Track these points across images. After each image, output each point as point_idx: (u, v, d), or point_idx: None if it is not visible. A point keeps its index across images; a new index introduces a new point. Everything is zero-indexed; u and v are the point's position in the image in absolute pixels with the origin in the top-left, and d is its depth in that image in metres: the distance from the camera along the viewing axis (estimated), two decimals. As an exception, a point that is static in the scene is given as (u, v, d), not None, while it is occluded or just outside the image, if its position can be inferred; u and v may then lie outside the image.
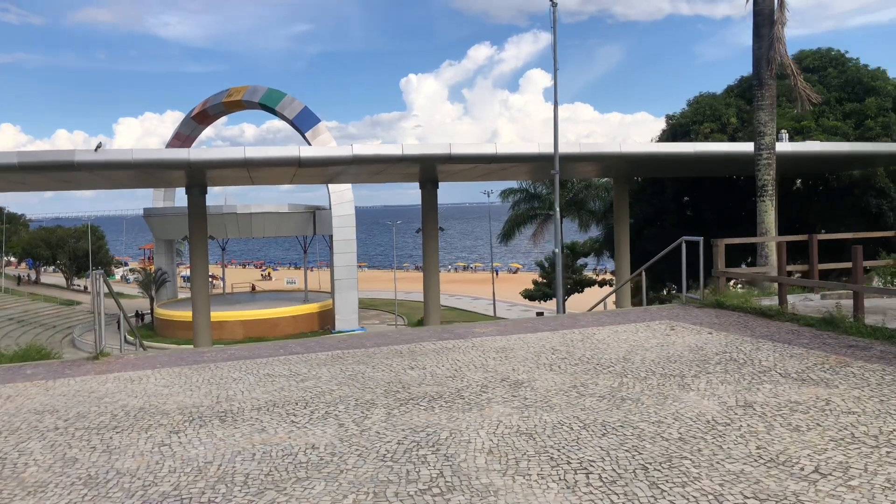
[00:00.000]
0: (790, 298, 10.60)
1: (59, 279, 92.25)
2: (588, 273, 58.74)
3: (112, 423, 5.74)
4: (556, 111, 16.81)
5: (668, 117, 37.14)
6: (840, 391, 5.98)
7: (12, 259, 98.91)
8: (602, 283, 59.31)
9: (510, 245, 50.35)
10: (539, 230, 45.12)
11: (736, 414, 5.45)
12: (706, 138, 31.57)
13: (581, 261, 54.04)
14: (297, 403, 6.12)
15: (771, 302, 10.31)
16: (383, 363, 7.61)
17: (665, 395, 5.99)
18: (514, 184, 43.81)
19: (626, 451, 4.71)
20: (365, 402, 6.10)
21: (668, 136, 35.26)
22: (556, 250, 16.95)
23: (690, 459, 4.50)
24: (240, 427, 5.55)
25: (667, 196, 34.96)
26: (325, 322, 62.32)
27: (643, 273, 13.43)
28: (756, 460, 4.46)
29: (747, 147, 20.69)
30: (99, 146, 16.77)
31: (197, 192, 21.80)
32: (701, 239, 10.70)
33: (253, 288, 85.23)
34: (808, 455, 4.52)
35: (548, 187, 43.07)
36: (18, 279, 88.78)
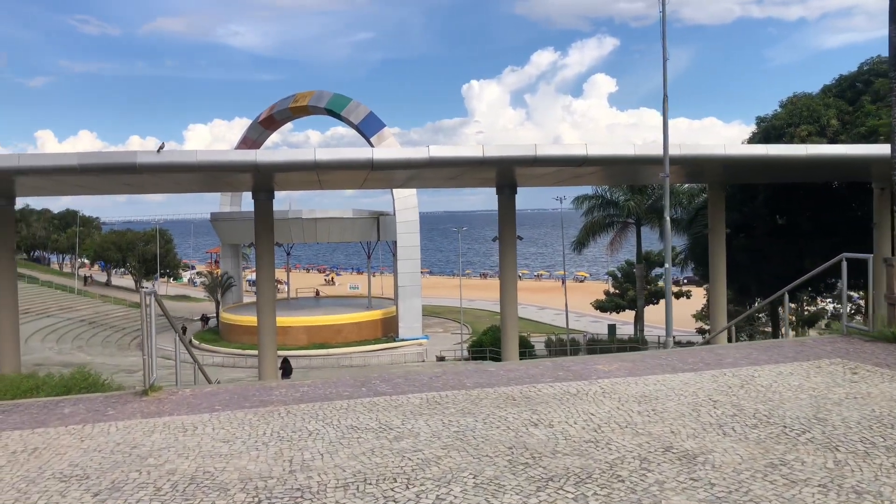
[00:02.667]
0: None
1: (130, 282, 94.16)
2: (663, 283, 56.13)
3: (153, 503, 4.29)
4: (665, 105, 14.94)
5: (760, 119, 34.62)
6: None
7: (85, 261, 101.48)
8: (679, 295, 56.58)
9: (583, 254, 48.14)
10: (616, 239, 42.87)
11: None
12: (802, 141, 29.01)
13: (655, 271, 51.50)
14: (394, 479, 4.54)
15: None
16: (495, 414, 5.98)
17: (914, 487, 4.21)
18: (588, 189, 41.78)
19: None
20: (487, 480, 4.49)
21: (759, 139, 32.73)
22: (667, 265, 15.04)
23: None
24: (322, 519, 4.04)
25: (758, 203, 32.42)
26: (388, 329, 61.39)
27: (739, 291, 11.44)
28: None
29: (875, 150, 18.39)
30: (161, 147, 15.73)
31: (263, 196, 20.70)
32: (871, 256, 8.72)
33: (317, 293, 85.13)
34: None
35: (625, 193, 40.87)
36: (85, 280, 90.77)
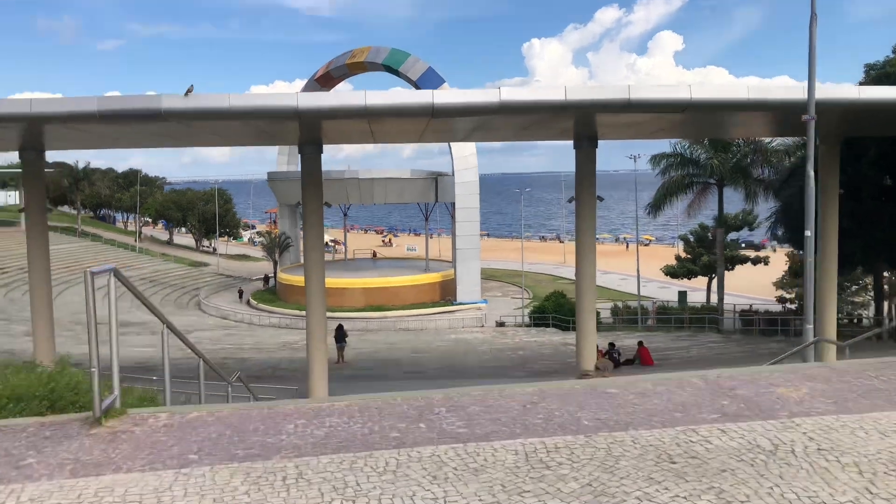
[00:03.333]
0: None
1: (191, 241, 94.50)
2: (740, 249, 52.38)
3: None
4: (812, 31, 11.84)
5: (869, 66, 30.50)
6: None
7: (148, 220, 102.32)
8: (757, 261, 52.64)
9: (649, 216, 44.66)
10: (696, 201, 39.26)
11: None
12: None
13: (730, 235, 47.72)
14: None
15: None
16: (652, 498, 3.44)
17: None
18: (665, 146, 38.20)
19: None
20: None
21: (870, 88, 28.76)
22: (808, 233, 12.10)
23: None
24: None
25: (866, 163, 28.63)
26: (446, 293, 59.50)
27: None
28: None
29: None
30: (189, 91, 13.47)
31: (310, 150, 18.41)
32: None
33: (374, 255, 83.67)
34: None
35: (707, 151, 37.16)
36: (139, 234, 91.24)
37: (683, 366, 25.14)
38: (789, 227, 30.49)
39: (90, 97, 13.78)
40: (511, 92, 13.93)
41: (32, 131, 16.70)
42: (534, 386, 5.28)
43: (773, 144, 36.51)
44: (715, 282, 52.25)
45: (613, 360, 23.51)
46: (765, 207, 38.17)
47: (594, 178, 18.65)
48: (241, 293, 62.73)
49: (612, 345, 24.94)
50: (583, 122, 16.88)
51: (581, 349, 19.34)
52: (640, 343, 26.36)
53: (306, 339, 19.63)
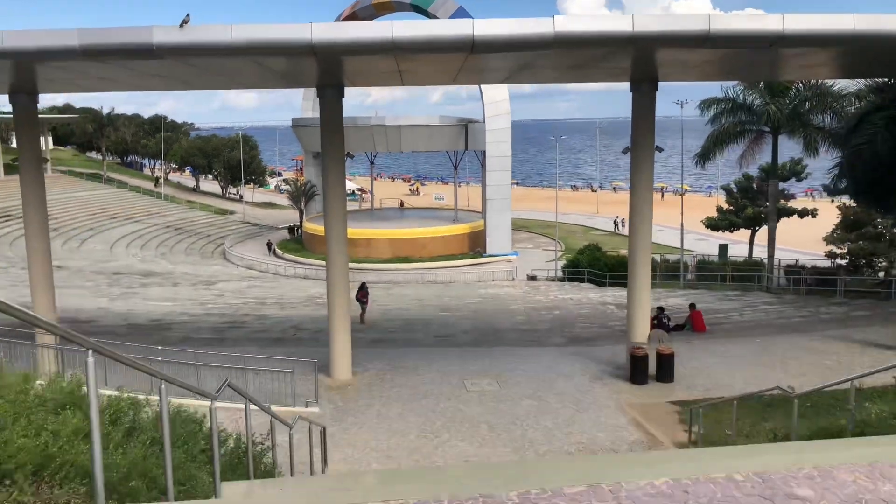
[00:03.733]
0: None
1: (217, 188, 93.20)
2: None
3: None
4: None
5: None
6: None
7: (173, 166, 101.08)
8: (804, 214, 49.71)
9: (706, 167, 41.77)
10: (749, 150, 36.40)
11: None
12: None
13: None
14: None
15: None
16: None
17: None
18: (716, 91, 35.26)
19: None
20: None
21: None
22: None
23: None
24: None
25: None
26: (475, 244, 57.78)
27: None
28: None
29: None
30: (186, 21, 11.36)
31: (331, 93, 16.37)
32: None
33: (401, 204, 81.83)
34: None
35: (762, 95, 34.15)
36: (156, 180, 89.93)
37: (738, 332, 23.04)
38: (856, 180, 27.81)
39: (70, 30, 11.76)
40: (567, 22, 11.61)
41: (19, 72, 14.80)
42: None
43: (836, 87, 33.42)
44: (758, 235, 49.58)
45: (664, 326, 21.47)
46: (823, 161, 35.25)
47: (653, 124, 16.34)
48: (269, 245, 61.42)
49: (660, 309, 22.86)
50: (645, 60, 14.51)
51: (633, 319, 17.36)
52: (693, 306, 24.22)
53: (328, 311, 17.86)
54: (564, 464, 6.71)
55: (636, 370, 16.72)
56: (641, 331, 17.27)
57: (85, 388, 5.92)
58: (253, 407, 6.50)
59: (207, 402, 5.14)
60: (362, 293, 26.89)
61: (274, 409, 15.07)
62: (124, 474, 4.06)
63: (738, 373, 17.39)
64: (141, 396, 5.80)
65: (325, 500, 4.79)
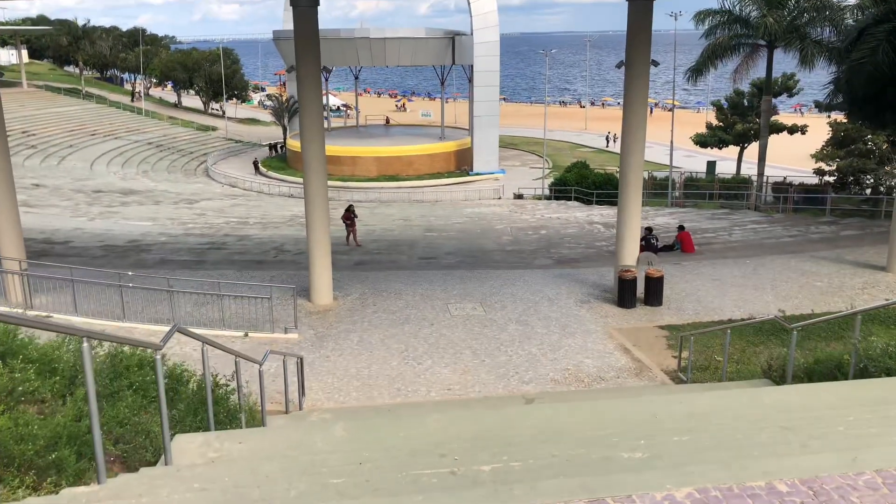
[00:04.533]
0: None
1: (199, 103, 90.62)
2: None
3: None
4: None
5: None
6: None
7: (154, 81, 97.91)
8: (794, 130, 48.95)
9: (699, 82, 40.55)
10: (744, 64, 35.21)
11: None
12: None
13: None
14: None
15: None
16: None
17: None
18: (712, 2, 33.70)
19: None
20: None
21: None
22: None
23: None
24: None
25: None
26: (462, 162, 56.93)
27: None
28: None
29: None
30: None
31: (305, 2, 15.18)
32: None
33: (387, 121, 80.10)
34: None
35: (759, 7, 32.76)
36: (133, 95, 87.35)
37: (728, 253, 22.74)
38: (853, 95, 26.94)
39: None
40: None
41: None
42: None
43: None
44: (746, 152, 48.89)
45: (652, 247, 21.07)
46: (818, 74, 34.16)
47: (649, 37, 15.42)
48: (255, 164, 60.13)
49: (648, 230, 22.40)
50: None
51: (622, 241, 16.90)
52: (681, 227, 23.80)
53: (307, 234, 17.27)
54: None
55: (624, 293, 16.38)
56: (630, 253, 16.84)
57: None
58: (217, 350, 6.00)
59: (162, 340, 4.61)
60: (346, 214, 26.26)
61: (252, 335, 14.79)
62: (50, 443, 3.55)
63: (727, 296, 17.11)
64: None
65: (285, 456, 4.34)
